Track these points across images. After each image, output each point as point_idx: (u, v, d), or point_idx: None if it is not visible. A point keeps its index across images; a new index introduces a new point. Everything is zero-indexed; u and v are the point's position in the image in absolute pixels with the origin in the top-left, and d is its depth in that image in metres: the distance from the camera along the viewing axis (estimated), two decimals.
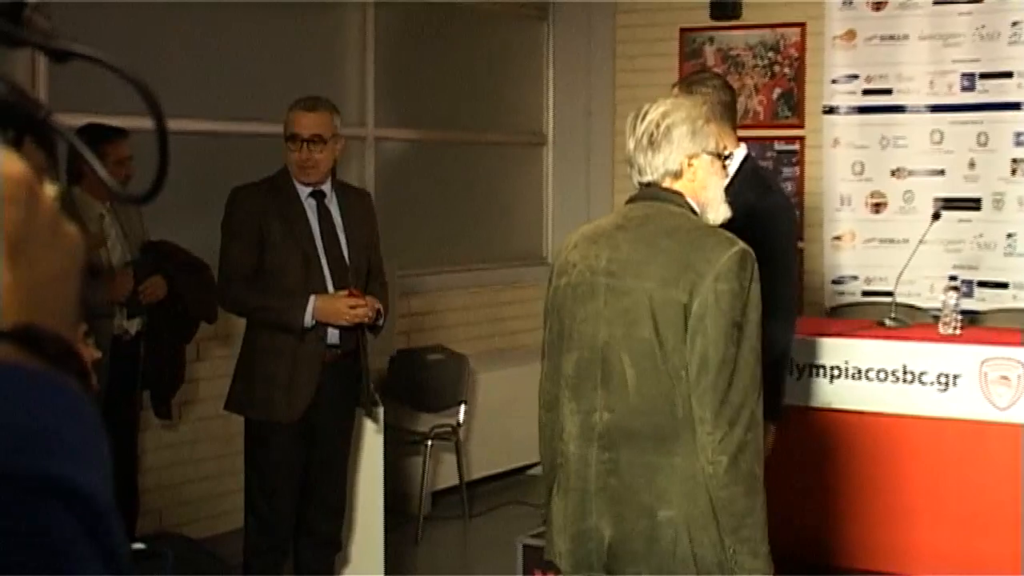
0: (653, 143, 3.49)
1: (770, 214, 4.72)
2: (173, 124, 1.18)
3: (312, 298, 5.15)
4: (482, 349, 8.70)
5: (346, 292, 5.17)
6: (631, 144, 3.54)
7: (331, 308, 5.13)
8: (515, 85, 9.24)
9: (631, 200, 3.57)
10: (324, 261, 5.24)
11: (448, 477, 7.79)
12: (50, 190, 0.99)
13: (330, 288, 5.23)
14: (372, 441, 5.88)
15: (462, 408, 7.64)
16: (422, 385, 7.69)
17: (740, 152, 4.94)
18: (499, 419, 8.06)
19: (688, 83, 5.03)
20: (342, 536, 5.67)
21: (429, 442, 7.46)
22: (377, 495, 5.91)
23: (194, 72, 6.97)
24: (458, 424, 7.61)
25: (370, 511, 5.93)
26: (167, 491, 6.83)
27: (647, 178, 3.53)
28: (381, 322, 5.28)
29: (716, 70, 8.25)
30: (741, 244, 3.38)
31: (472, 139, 8.96)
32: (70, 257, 0.99)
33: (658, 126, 3.48)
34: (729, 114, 4.96)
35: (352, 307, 5.14)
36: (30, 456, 0.91)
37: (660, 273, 3.37)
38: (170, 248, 6.02)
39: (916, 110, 8.30)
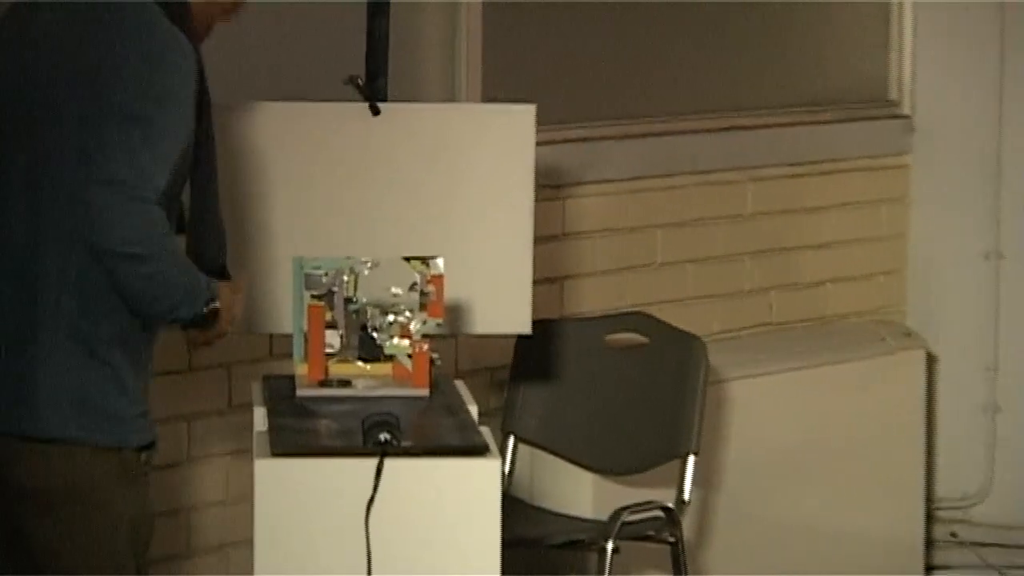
0: None
1: None
2: None
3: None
4: (740, 323, 6.05)
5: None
6: None
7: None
8: None
9: None
10: None
11: None
12: None
13: None
14: (476, 533, 3.95)
15: (691, 465, 5.33)
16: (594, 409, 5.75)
17: None
18: (780, 488, 5.91)
19: None
20: None
21: (610, 545, 5.21)
22: None
23: None
24: (682, 502, 5.37)
25: None
26: None
27: None
28: None
29: None
30: None
31: None
32: None
33: None
34: None
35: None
36: None
37: None
38: None
39: None
